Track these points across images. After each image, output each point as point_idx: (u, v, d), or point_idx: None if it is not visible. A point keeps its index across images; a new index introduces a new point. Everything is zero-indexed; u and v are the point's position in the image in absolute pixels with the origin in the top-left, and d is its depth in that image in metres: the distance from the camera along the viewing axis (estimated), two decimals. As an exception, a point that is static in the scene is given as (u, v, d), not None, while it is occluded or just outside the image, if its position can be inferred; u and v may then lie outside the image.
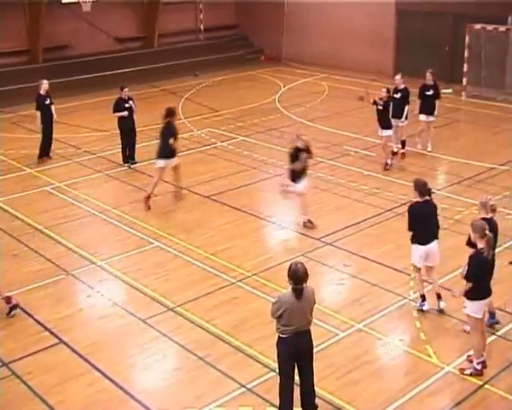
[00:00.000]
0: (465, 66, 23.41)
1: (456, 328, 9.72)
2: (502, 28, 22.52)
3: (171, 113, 14.32)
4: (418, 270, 10.25)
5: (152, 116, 21.26)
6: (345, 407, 8.27)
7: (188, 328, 9.99)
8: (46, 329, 10.00)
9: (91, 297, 10.99)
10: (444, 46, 24.68)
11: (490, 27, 22.60)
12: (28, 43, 25.57)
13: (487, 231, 8.38)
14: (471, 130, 19.72)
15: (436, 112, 17.25)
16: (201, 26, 30.38)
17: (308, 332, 7.83)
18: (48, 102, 17.19)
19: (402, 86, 16.62)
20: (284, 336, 7.67)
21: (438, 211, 10.31)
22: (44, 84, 17.23)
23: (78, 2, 24.83)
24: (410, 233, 10.11)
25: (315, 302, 7.82)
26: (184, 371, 9.12)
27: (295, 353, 7.74)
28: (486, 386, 8.58)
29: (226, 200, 14.69)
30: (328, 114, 21.05)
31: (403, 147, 16.92)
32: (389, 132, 16.20)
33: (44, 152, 17.37)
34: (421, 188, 9.98)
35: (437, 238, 10.12)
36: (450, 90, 23.93)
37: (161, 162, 14.13)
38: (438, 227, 10.22)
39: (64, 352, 9.47)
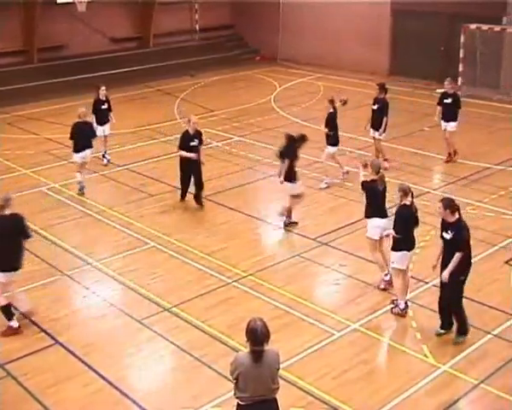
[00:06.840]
0: (460, 66, 23.48)
1: (452, 327, 9.71)
2: (497, 28, 22.59)
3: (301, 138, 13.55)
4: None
5: (146, 116, 21.39)
6: (341, 406, 8.27)
7: (184, 328, 9.99)
8: (42, 330, 9.97)
9: (87, 298, 10.98)
10: (439, 46, 24.70)
11: (485, 27, 22.68)
12: (23, 43, 25.49)
13: (381, 170, 10.96)
14: (466, 130, 19.69)
15: (382, 129, 16.09)
16: (197, 26, 30.34)
17: (272, 402, 6.53)
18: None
19: (451, 91, 16.46)
20: (242, 403, 6.48)
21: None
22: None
23: (73, 3, 24.76)
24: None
25: (279, 369, 6.56)
26: (180, 371, 9.13)
27: None
28: (482, 385, 8.60)
29: (222, 200, 14.69)
30: (324, 114, 21.03)
31: (455, 154, 16.84)
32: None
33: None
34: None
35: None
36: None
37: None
38: None
39: (60, 352, 9.45)
